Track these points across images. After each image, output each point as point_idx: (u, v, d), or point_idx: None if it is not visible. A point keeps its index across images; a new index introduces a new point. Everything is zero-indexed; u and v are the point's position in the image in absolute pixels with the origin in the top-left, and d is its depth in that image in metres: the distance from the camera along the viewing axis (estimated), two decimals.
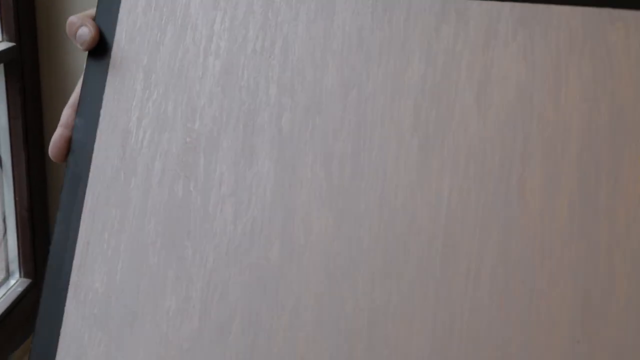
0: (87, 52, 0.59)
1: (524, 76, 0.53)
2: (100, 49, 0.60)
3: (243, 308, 0.54)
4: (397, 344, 0.52)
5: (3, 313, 1.46)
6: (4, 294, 1.52)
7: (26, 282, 1.56)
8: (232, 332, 0.54)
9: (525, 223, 0.51)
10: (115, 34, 0.60)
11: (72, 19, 0.60)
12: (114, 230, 0.56)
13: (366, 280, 0.53)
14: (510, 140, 0.53)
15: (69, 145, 0.59)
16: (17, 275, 1.57)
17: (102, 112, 0.58)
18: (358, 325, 0.52)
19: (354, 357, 0.52)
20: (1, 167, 1.46)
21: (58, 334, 0.56)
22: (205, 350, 0.54)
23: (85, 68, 0.60)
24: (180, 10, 0.59)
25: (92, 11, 0.61)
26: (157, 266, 0.55)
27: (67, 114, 0.59)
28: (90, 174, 0.58)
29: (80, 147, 0.58)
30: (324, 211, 0.54)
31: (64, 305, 0.56)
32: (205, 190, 0.56)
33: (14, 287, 1.54)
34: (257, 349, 0.53)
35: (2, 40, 1.42)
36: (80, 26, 0.59)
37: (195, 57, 0.58)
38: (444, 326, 0.51)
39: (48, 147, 1.46)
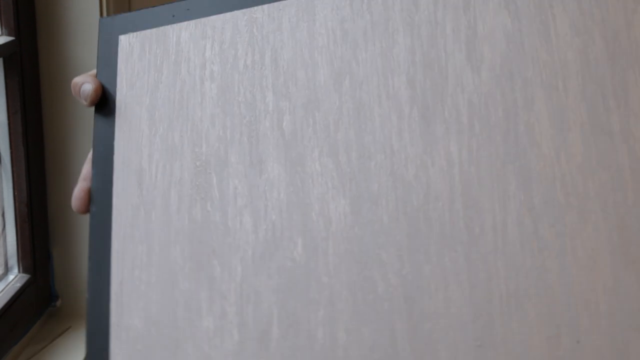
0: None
1: (509, 25, 0.53)
2: (104, 102, 0.62)
3: (279, 312, 0.53)
4: (437, 315, 0.50)
5: (2, 308, 1.43)
6: (3, 289, 1.48)
7: (25, 277, 1.53)
8: (273, 337, 0.53)
9: (542, 166, 0.50)
10: (116, 84, 0.62)
11: (76, 79, 0.62)
12: (143, 265, 0.57)
13: (394, 259, 0.51)
14: (509, 90, 0.52)
15: (89, 196, 0.60)
16: (15, 270, 1.54)
17: (114, 158, 0.60)
18: (395, 304, 0.51)
19: (396, 337, 0.50)
20: (0, 162, 1.46)
21: None
22: None
23: (94, 122, 0.62)
24: (172, 47, 0.61)
25: (94, 71, 0.64)
26: (190, 290, 0.55)
27: (86, 168, 0.61)
28: (113, 218, 0.59)
29: (99, 195, 0.60)
30: (339, 200, 0.53)
31: (108, 348, 0.56)
32: (222, 206, 0.56)
33: (12, 283, 1.51)
34: (300, 349, 0.52)
35: (2, 35, 1.41)
36: (82, 84, 0.61)
37: (192, 86, 0.59)
38: (481, 287, 0.49)
39: (47, 141, 1.46)
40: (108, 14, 1.40)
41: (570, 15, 0.52)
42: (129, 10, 1.49)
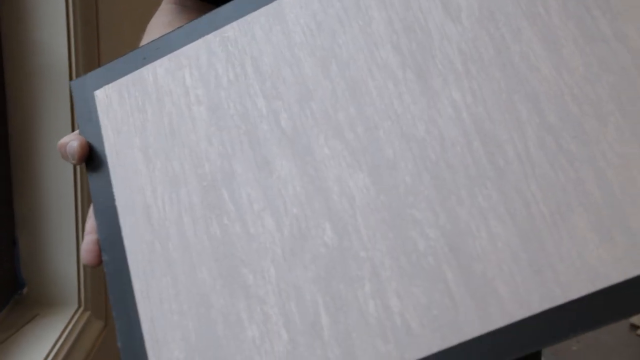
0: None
1: None
2: (93, 155, 0.60)
3: (324, 299, 0.50)
4: (486, 253, 0.48)
5: None
6: None
7: None
8: (324, 325, 0.50)
9: (548, 87, 0.50)
10: (102, 135, 0.61)
11: (60, 141, 0.61)
12: (171, 296, 0.54)
13: (428, 213, 0.50)
14: (494, 28, 0.52)
15: (99, 247, 0.58)
16: None
17: (117, 204, 0.58)
18: (440, 256, 0.49)
19: (450, 287, 0.48)
20: None
21: None
22: (307, 355, 0.50)
23: (88, 177, 0.60)
24: (150, 86, 0.60)
25: (78, 130, 0.63)
26: (226, 306, 0.52)
27: (90, 222, 0.59)
28: (129, 261, 0.56)
29: (110, 243, 0.57)
30: (357, 175, 0.52)
31: None
32: (240, 216, 0.54)
33: None
34: (355, 328, 0.49)
35: None
36: (67, 143, 0.60)
37: (180, 115, 0.59)
38: (522, 214, 0.48)
39: (12, 142, 1.37)
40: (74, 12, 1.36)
41: None
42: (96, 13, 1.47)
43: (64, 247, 1.48)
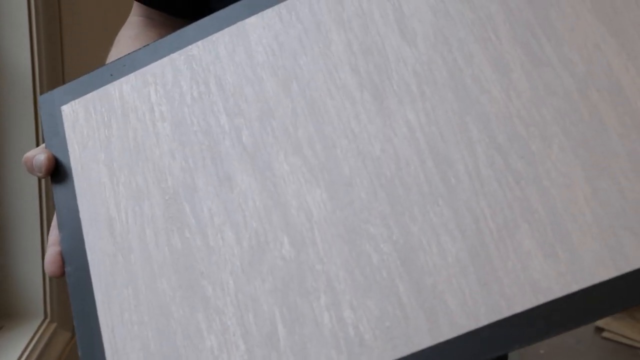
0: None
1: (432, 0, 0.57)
2: (59, 169, 0.62)
3: (280, 310, 0.52)
4: (435, 266, 0.50)
5: None
6: None
7: None
8: (280, 336, 0.52)
9: (497, 107, 0.52)
10: (68, 149, 0.62)
11: (26, 155, 0.62)
12: (132, 307, 0.55)
13: (381, 229, 0.52)
14: (447, 51, 0.55)
15: (62, 259, 0.59)
16: None
17: (80, 216, 0.59)
18: (392, 269, 0.51)
19: (402, 299, 0.50)
20: None
21: None
22: None
23: (53, 190, 0.61)
24: (116, 102, 0.62)
25: (44, 145, 0.64)
26: (185, 317, 0.54)
27: (53, 234, 0.60)
28: (91, 272, 0.58)
29: (72, 255, 0.59)
30: (315, 191, 0.54)
31: None
32: (201, 229, 0.56)
33: None
34: (310, 339, 0.51)
35: None
36: (34, 157, 0.61)
37: (144, 130, 0.60)
38: (471, 230, 0.50)
39: None
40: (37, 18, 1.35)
41: None
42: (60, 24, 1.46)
43: (29, 258, 1.48)
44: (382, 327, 0.50)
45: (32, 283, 1.50)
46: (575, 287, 0.47)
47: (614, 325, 1.76)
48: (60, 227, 0.60)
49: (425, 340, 0.49)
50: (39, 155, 0.61)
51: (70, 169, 0.61)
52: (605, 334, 1.78)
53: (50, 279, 1.50)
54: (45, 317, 1.51)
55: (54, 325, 1.51)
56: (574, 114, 0.51)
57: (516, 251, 0.49)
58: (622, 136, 0.50)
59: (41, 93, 1.39)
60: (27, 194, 1.45)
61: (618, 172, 0.49)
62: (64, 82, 1.41)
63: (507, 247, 0.49)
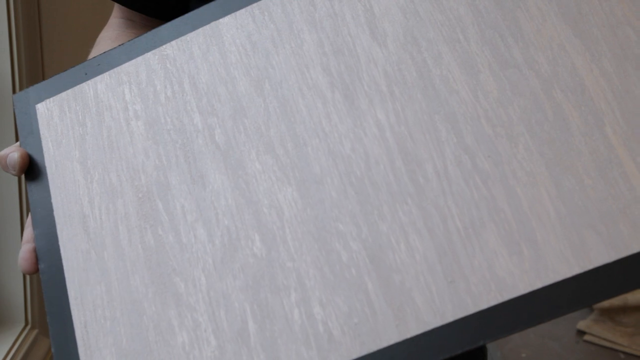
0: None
1: (402, 0, 0.57)
2: (33, 166, 0.62)
3: (251, 307, 0.53)
4: (404, 265, 0.51)
5: None
6: None
7: None
8: (250, 332, 0.52)
9: (465, 108, 0.53)
10: (42, 147, 0.62)
11: (0, 153, 0.62)
12: (105, 303, 0.56)
13: (351, 227, 0.53)
14: (416, 52, 0.56)
15: (36, 256, 0.59)
16: None
17: (54, 214, 0.60)
18: (361, 266, 0.52)
19: (370, 296, 0.51)
20: None
21: None
22: None
23: (27, 188, 0.62)
24: (91, 101, 0.62)
25: (18, 143, 0.64)
26: (157, 313, 0.55)
27: (28, 232, 0.61)
28: (65, 269, 0.58)
29: (46, 252, 0.59)
30: (286, 189, 0.55)
31: None
32: (173, 227, 0.56)
33: None
34: (280, 334, 0.52)
35: None
36: (8, 155, 0.62)
37: (118, 129, 0.61)
38: (439, 229, 0.51)
39: None
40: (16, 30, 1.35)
41: None
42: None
43: (10, 265, 1.48)
44: (350, 324, 0.51)
45: (13, 290, 1.49)
46: (539, 284, 0.48)
47: (596, 329, 1.78)
48: (34, 224, 0.60)
49: (392, 337, 0.50)
50: (12, 154, 0.62)
51: (44, 166, 0.62)
52: (587, 337, 1.79)
53: (32, 285, 1.49)
54: (27, 324, 1.51)
55: (35, 332, 1.51)
56: (539, 113, 0.52)
57: (482, 249, 0.50)
58: (585, 135, 0.51)
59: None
60: (7, 199, 1.45)
61: (581, 171, 0.50)
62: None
63: (474, 245, 0.50)
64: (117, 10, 0.88)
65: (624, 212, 0.49)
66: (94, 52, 0.83)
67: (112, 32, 0.86)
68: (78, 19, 1.66)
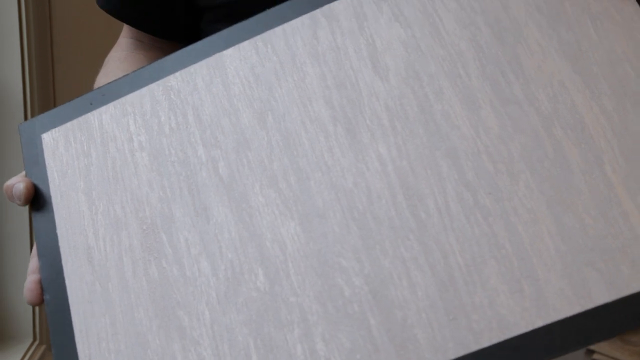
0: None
1: (403, 34, 0.58)
2: (39, 196, 0.63)
3: (255, 341, 0.53)
4: (406, 301, 0.52)
5: None
6: None
7: None
8: None
9: (466, 144, 0.54)
10: (47, 178, 0.63)
11: (7, 183, 0.63)
12: (110, 335, 0.57)
13: (353, 262, 0.53)
14: (418, 87, 0.56)
15: (41, 287, 0.60)
16: None
17: (59, 244, 0.60)
18: (363, 302, 0.52)
19: (372, 333, 0.51)
20: None
21: None
22: None
23: (32, 218, 0.62)
24: (96, 131, 0.63)
25: (24, 172, 0.65)
26: (161, 346, 0.55)
27: (33, 262, 0.61)
28: (70, 301, 0.59)
29: (51, 283, 0.60)
30: (289, 223, 0.55)
31: None
32: (177, 260, 0.57)
33: None
34: None
35: None
36: (14, 185, 0.62)
37: (123, 160, 0.61)
38: (440, 265, 0.52)
39: None
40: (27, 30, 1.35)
41: (453, 13, 0.57)
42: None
43: (18, 281, 1.48)
44: None
45: (21, 305, 1.50)
46: (539, 323, 0.49)
47: (605, 348, 1.78)
48: (39, 255, 0.61)
49: None
50: (18, 184, 0.62)
51: (49, 197, 0.62)
52: (595, 356, 1.80)
53: None
54: (34, 339, 1.51)
55: (43, 348, 1.51)
56: (540, 151, 0.53)
57: (484, 286, 0.51)
58: (585, 173, 0.51)
59: (32, 113, 1.40)
60: (16, 216, 1.45)
61: (581, 209, 0.51)
62: (54, 102, 1.43)
63: (475, 282, 0.51)
64: (126, 30, 0.88)
65: (624, 251, 0.49)
66: (103, 72, 0.83)
67: (120, 53, 0.87)
68: (89, 37, 1.66)
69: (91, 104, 0.64)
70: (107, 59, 0.87)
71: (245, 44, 0.61)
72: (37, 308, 1.49)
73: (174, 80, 0.62)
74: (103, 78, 0.80)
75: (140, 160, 0.61)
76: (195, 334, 0.55)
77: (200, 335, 0.55)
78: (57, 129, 0.65)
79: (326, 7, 0.60)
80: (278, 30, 0.61)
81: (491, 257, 0.51)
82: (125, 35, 0.88)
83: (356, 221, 0.54)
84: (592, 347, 1.80)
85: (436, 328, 0.51)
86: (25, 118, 1.39)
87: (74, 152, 0.63)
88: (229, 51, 0.62)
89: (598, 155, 0.51)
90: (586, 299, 0.49)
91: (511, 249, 0.51)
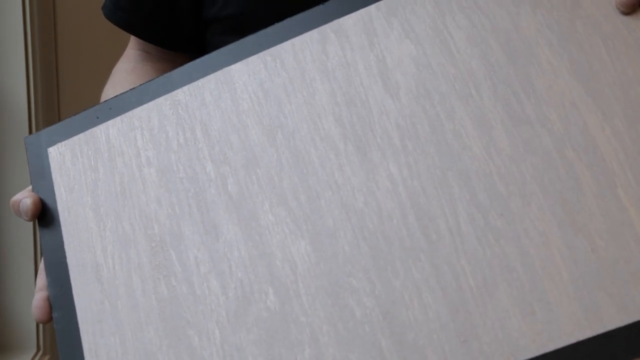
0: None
1: (414, 51, 0.58)
2: (46, 212, 0.62)
3: None
4: (418, 322, 0.52)
5: None
6: None
7: None
8: None
9: (478, 164, 0.54)
10: (54, 192, 0.63)
11: (13, 198, 0.63)
12: (119, 355, 0.56)
13: (364, 282, 0.53)
14: (429, 105, 0.56)
15: (49, 304, 0.60)
16: None
17: (67, 261, 0.60)
18: (375, 323, 0.52)
19: (384, 354, 0.51)
20: None
21: None
22: None
23: (40, 233, 0.62)
24: (103, 145, 0.63)
25: (31, 187, 0.65)
26: None
27: (41, 278, 0.61)
28: (79, 319, 0.58)
29: (60, 300, 0.59)
30: (299, 242, 0.55)
31: None
32: (187, 278, 0.57)
33: None
34: None
35: None
36: (21, 200, 0.62)
37: (131, 175, 0.61)
38: (452, 287, 0.52)
39: None
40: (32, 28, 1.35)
41: (464, 31, 0.57)
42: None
43: (22, 291, 1.48)
44: None
45: (25, 315, 1.50)
46: (551, 347, 0.49)
47: None
48: (47, 272, 0.61)
49: None
50: (25, 200, 0.62)
51: (57, 212, 0.62)
52: None
53: None
54: (38, 350, 1.51)
55: (46, 358, 1.51)
56: (552, 172, 0.52)
57: (495, 309, 0.51)
58: (597, 196, 0.51)
59: (36, 121, 1.39)
60: (20, 227, 1.45)
61: (593, 233, 0.51)
62: (59, 111, 1.42)
63: (486, 304, 0.51)
64: (133, 42, 0.88)
65: (636, 274, 0.49)
66: (110, 83, 0.83)
67: (127, 65, 0.86)
68: (95, 48, 1.65)
69: (98, 118, 0.64)
70: (114, 71, 0.86)
71: (254, 59, 0.61)
72: None
73: (182, 94, 0.62)
74: (110, 90, 0.80)
75: (148, 176, 0.61)
76: (206, 354, 0.55)
77: (210, 355, 0.55)
78: (63, 142, 0.64)
79: (335, 22, 0.60)
80: (287, 45, 0.61)
81: (502, 279, 0.51)
82: (133, 47, 0.88)
83: (367, 241, 0.54)
84: None
85: (447, 350, 0.51)
86: (30, 127, 1.38)
87: (81, 166, 0.63)
88: (237, 65, 0.61)
89: (610, 178, 0.51)
90: (598, 323, 0.49)
91: (523, 271, 0.51)
